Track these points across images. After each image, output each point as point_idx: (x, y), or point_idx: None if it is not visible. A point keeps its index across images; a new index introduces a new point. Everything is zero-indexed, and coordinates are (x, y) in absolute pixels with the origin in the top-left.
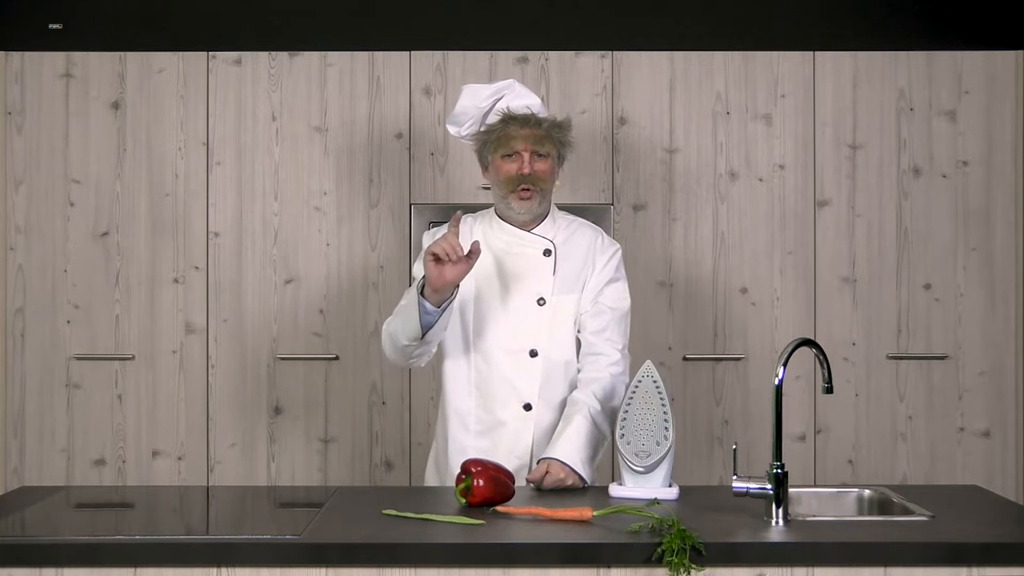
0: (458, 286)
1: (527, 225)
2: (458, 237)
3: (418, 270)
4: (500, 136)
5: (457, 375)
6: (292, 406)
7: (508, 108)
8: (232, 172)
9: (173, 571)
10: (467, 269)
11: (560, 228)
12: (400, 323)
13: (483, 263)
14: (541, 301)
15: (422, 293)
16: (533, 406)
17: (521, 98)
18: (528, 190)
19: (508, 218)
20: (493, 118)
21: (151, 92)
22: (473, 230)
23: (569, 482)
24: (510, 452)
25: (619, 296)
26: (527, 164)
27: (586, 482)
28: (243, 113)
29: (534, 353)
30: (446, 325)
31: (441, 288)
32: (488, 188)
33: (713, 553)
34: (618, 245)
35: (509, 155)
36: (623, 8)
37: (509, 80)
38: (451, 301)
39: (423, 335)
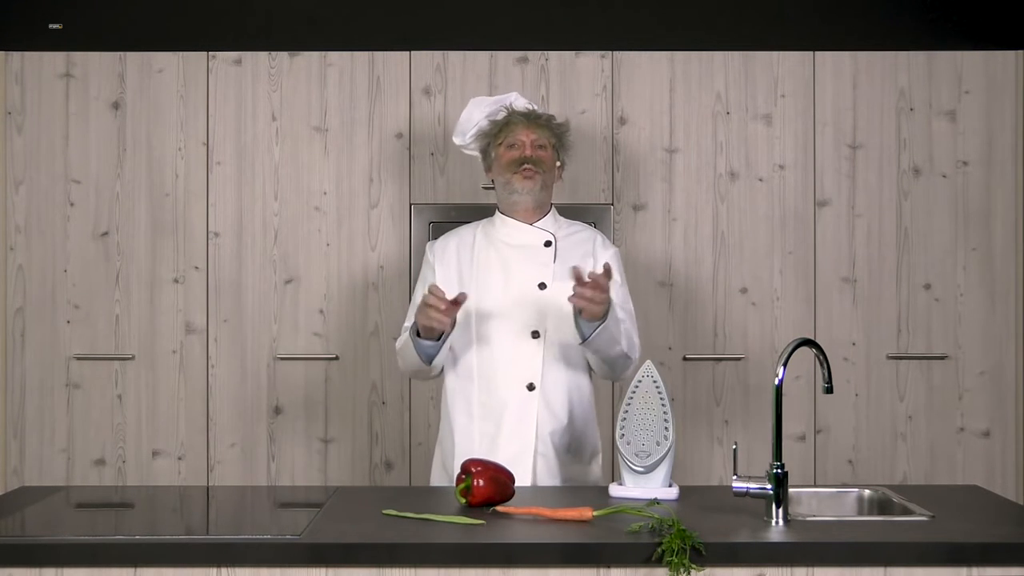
0: (455, 320)
1: (529, 218)
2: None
3: (422, 283)
4: (502, 128)
5: (459, 362)
6: (292, 406)
7: (511, 105)
8: (232, 172)
9: (173, 571)
10: (454, 313)
11: (561, 226)
12: (406, 355)
13: (486, 258)
14: (542, 286)
15: (418, 334)
16: (536, 386)
17: (523, 104)
18: (530, 169)
19: (511, 209)
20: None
21: (151, 92)
22: (476, 234)
23: (597, 300)
24: (513, 433)
25: (626, 299)
26: (528, 146)
27: (605, 318)
28: (243, 113)
29: (536, 334)
30: (450, 345)
31: (432, 334)
32: (489, 188)
33: (713, 553)
34: (616, 248)
35: (511, 145)
36: (623, 8)
37: (512, 93)
38: (449, 333)
39: (430, 363)
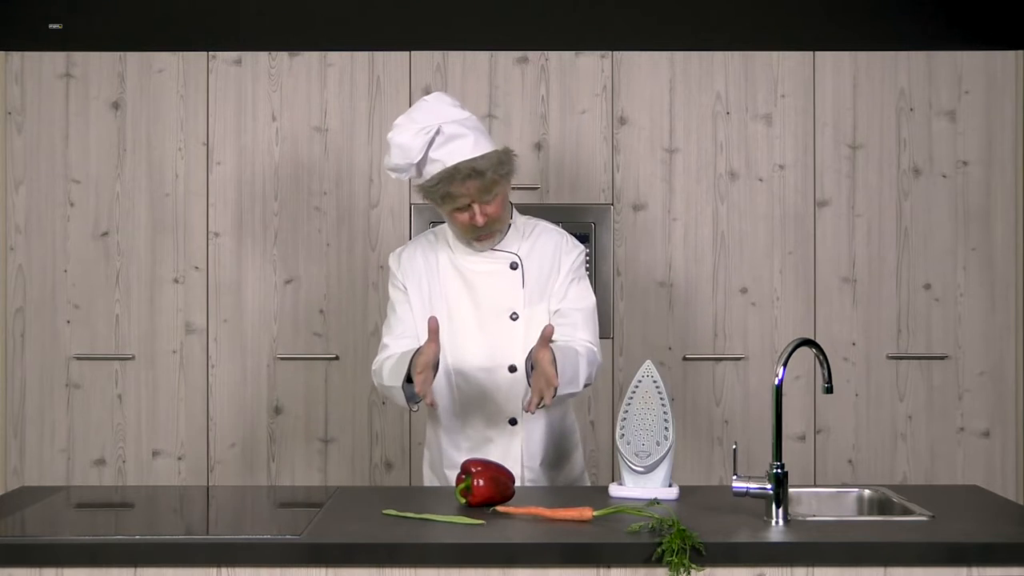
0: (438, 361)
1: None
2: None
3: (394, 294)
4: (444, 196)
5: (441, 397)
6: (292, 406)
7: (444, 166)
8: (232, 172)
9: (173, 571)
10: (436, 348)
11: (524, 236)
12: (390, 395)
13: (451, 283)
14: (514, 316)
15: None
16: (519, 420)
17: (451, 140)
18: (487, 235)
19: (463, 242)
20: (430, 169)
21: (151, 92)
22: (438, 252)
23: (548, 396)
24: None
25: (582, 295)
26: (478, 215)
27: (555, 389)
28: (243, 113)
29: (513, 368)
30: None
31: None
32: None
33: (713, 553)
34: (582, 247)
35: (460, 208)
36: (623, 8)
37: (434, 121)
38: (434, 375)
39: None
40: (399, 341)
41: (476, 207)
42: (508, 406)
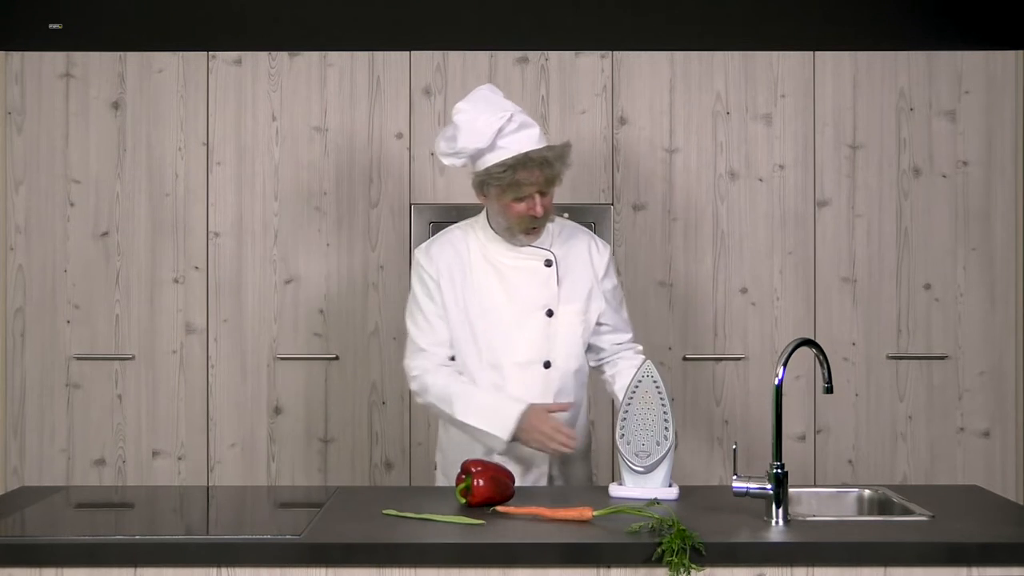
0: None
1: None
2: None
3: (424, 292)
4: (511, 183)
5: None
6: (292, 406)
7: (510, 153)
8: (232, 172)
9: (173, 571)
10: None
11: (555, 235)
12: (467, 430)
13: (485, 276)
14: (550, 313)
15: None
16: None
17: (522, 128)
18: (539, 228)
19: (505, 235)
20: (492, 157)
21: (151, 92)
22: (470, 246)
23: None
24: (530, 462)
25: (622, 299)
26: (538, 206)
27: None
28: (243, 113)
29: (548, 364)
30: (460, 370)
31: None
32: None
33: (713, 553)
34: (609, 245)
35: (520, 198)
36: (623, 8)
37: (505, 111)
38: None
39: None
40: (439, 349)
41: (537, 197)
42: (543, 402)
